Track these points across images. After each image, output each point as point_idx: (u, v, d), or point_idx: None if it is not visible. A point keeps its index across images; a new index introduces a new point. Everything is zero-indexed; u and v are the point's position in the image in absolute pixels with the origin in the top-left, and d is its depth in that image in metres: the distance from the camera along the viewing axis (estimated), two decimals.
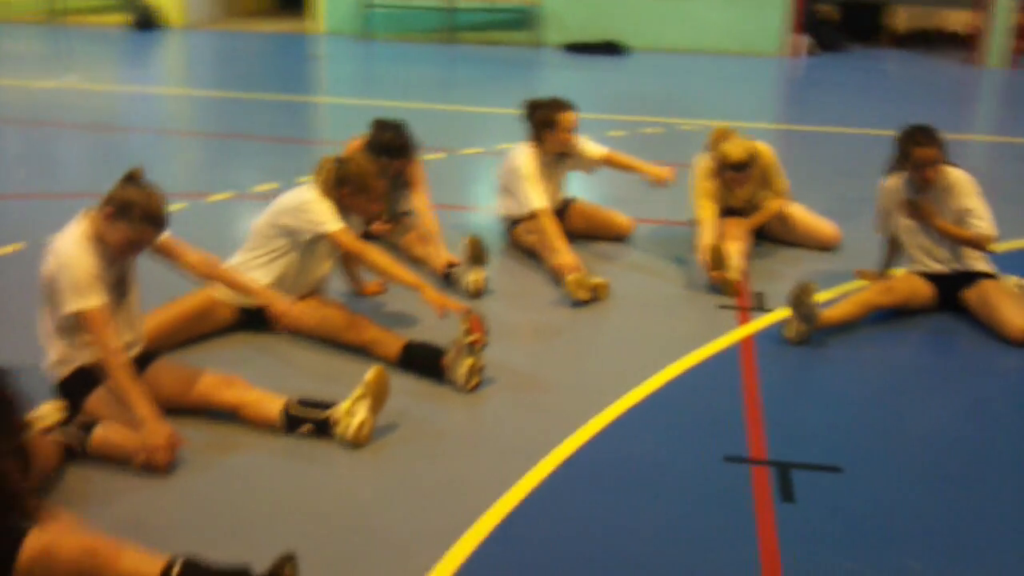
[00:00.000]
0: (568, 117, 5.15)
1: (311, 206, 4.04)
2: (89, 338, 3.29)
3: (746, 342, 4.34)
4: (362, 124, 5.26)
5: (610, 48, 13.03)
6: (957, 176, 4.51)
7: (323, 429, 3.43)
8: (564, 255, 4.89)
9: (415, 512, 3.07)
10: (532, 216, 5.15)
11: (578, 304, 4.67)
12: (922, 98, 10.86)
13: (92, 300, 3.25)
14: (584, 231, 5.50)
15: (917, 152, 4.43)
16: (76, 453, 3.24)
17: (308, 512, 3.07)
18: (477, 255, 4.78)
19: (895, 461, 3.47)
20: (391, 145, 5.05)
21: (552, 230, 5.03)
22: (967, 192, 4.48)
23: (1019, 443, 3.62)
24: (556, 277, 4.88)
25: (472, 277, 4.75)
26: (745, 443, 3.51)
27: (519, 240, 5.34)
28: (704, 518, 3.09)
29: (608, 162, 5.40)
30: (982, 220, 4.46)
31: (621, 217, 5.62)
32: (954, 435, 3.69)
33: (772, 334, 4.41)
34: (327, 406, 3.46)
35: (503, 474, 3.26)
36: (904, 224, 4.66)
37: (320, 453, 3.38)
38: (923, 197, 4.54)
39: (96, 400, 3.37)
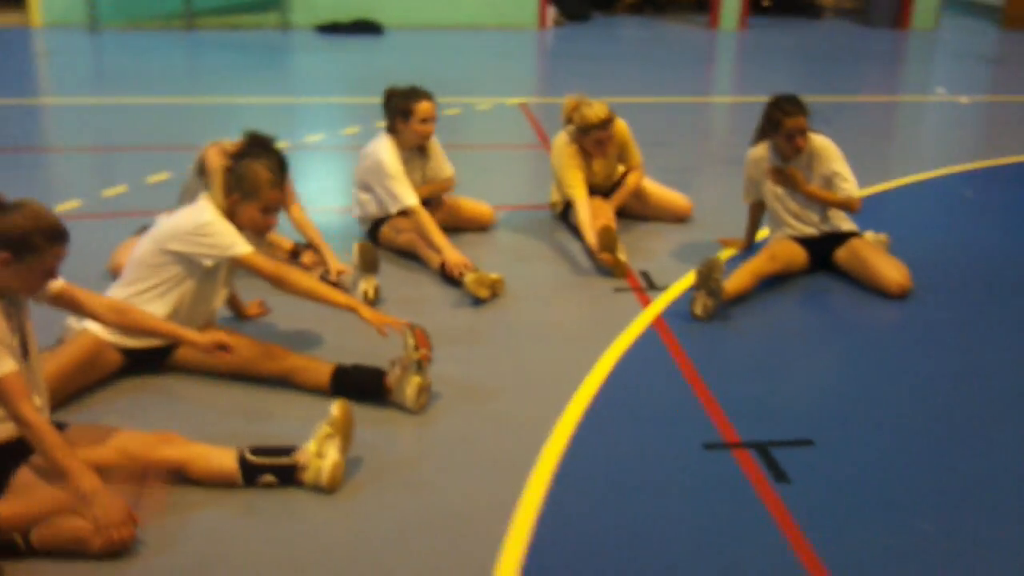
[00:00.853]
0: (424, 106, 4.93)
1: (211, 228, 3.61)
2: (3, 411, 2.78)
3: (658, 323, 4.36)
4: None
5: (365, 27, 12.68)
6: (821, 142, 4.73)
7: (287, 477, 3.09)
8: (450, 252, 4.70)
9: (419, 553, 2.84)
10: (401, 214, 4.91)
11: (479, 303, 4.50)
12: (673, 63, 11.36)
13: (3, 366, 2.73)
14: (446, 224, 5.31)
15: (788, 122, 4.60)
16: (18, 550, 2.72)
17: (292, 572, 2.76)
18: (369, 262, 4.49)
19: (859, 427, 3.60)
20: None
21: (432, 227, 4.82)
22: (833, 157, 4.72)
23: (967, 382, 3.87)
24: (446, 276, 4.68)
25: (365, 286, 4.46)
26: (713, 428, 3.53)
27: (388, 241, 5.07)
28: (714, 510, 3.07)
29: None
30: (848, 183, 4.72)
31: (483, 207, 5.48)
32: (900, 389, 3.87)
33: (676, 312, 4.46)
34: (287, 451, 3.12)
35: (499, 497, 3.09)
36: (773, 191, 4.85)
37: (288, 504, 3.05)
38: (790, 164, 4.73)
39: (22, 480, 2.85)
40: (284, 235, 4.79)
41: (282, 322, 4.21)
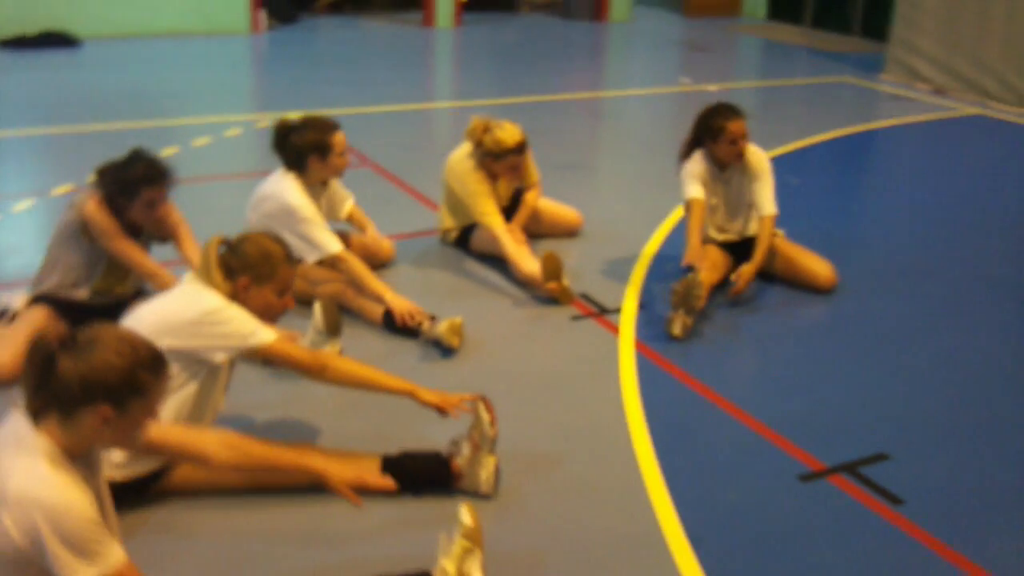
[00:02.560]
0: (340, 137, 4.36)
1: (222, 314, 2.91)
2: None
3: (645, 351, 4.16)
4: None
5: (56, 40, 11.12)
6: (756, 152, 4.73)
7: None
8: (395, 299, 4.20)
9: None
10: (322, 262, 4.32)
11: (448, 353, 4.05)
12: (397, 64, 10.98)
13: (112, 556, 2.04)
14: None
15: (732, 126, 4.56)
16: None
17: None
18: (333, 323, 3.89)
19: (916, 431, 3.64)
20: (151, 172, 3.83)
21: (365, 273, 4.28)
22: (767, 171, 4.71)
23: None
24: (394, 327, 4.17)
25: (330, 351, 3.85)
26: (788, 456, 3.42)
27: (302, 295, 4.43)
28: (859, 547, 2.96)
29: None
30: (772, 199, 4.71)
31: (384, 241, 4.95)
32: (927, 382, 3.95)
33: (651, 335, 4.30)
34: None
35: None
36: (708, 203, 4.76)
37: None
38: (727, 175, 4.70)
39: None
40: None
41: (277, 409, 3.54)
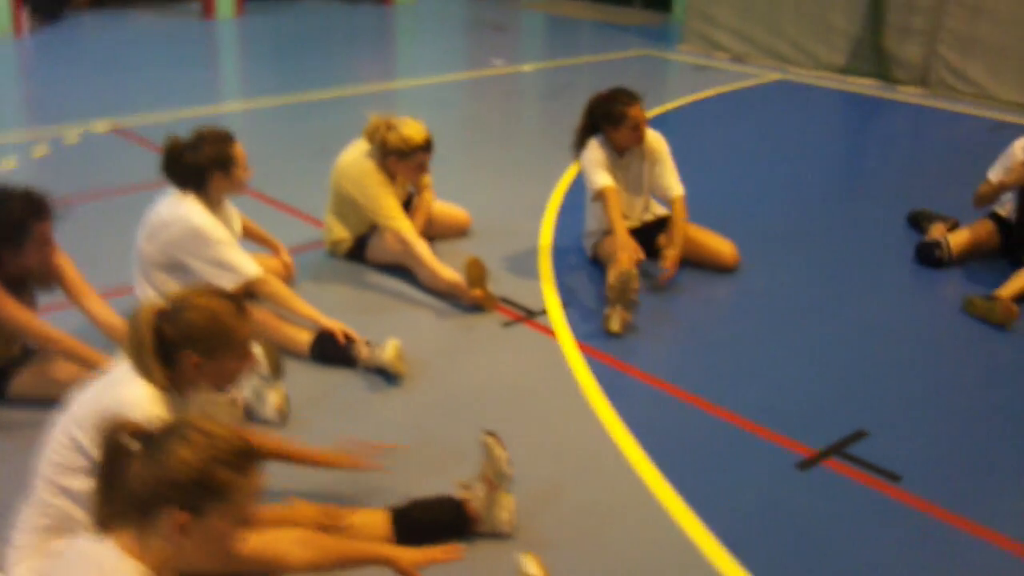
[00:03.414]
0: (240, 147, 3.97)
1: None
2: None
3: (590, 352, 4.05)
4: None
5: None
6: (654, 135, 4.70)
7: None
8: (326, 320, 3.89)
9: None
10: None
11: (393, 380, 3.79)
12: (180, 62, 10.25)
13: None
14: None
15: (632, 112, 4.52)
16: None
17: None
18: (276, 365, 3.52)
19: (887, 405, 3.73)
20: (33, 203, 3.34)
21: (292, 295, 3.93)
22: (667, 154, 4.71)
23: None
24: (326, 355, 3.86)
25: (275, 398, 3.49)
26: (776, 446, 3.41)
27: None
28: (877, 534, 2.99)
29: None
30: (677, 181, 4.72)
31: (285, 254, 4.55)
32: (879, 353, 4.05)
33: (588, 334, 4.20)
34: None
35: None
36: None
37: None
38: (626, 160, 4.66)
39: None
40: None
41: None
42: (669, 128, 5.37)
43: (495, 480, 2.89)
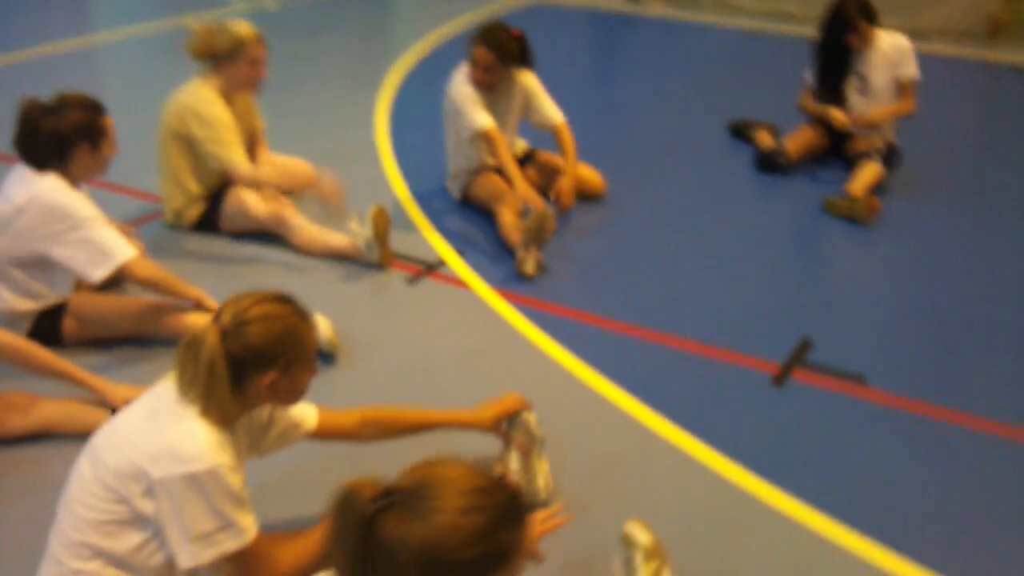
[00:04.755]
0: (111, 121, 3.39)
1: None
2: None
3: (517, 299, 3.88)
4: None
5: None
6: (521, 72, 4.51)
7: None
8: (210, 300, 3.45)
9: None
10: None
11: (329, 360, 3.43)
12: None
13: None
14: None
15: (476, 53, 4.31)
16: None
17: None
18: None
19: (814, 307, 3.85)
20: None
21: (173, 278, 3.40)
22: (537, 85, 4.55)
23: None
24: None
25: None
26: (741, 368, 3.45)
27: (73, 336, 3.43)
28: (864, 433, 3.12)
29: None
30: (553, 107, 4.60)
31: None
32: (771, 262, 4.15)
33: (503, 279, 4.02)
34: None
35: None
36: None
37: None
38: (494, 97, 4.47)
39: None
40: None
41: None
42: (441, 68, 5.16)
43: (528, 446, 2.69)
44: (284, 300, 2.11)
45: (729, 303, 3.90)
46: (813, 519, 2.69)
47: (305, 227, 4.15)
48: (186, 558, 1.97)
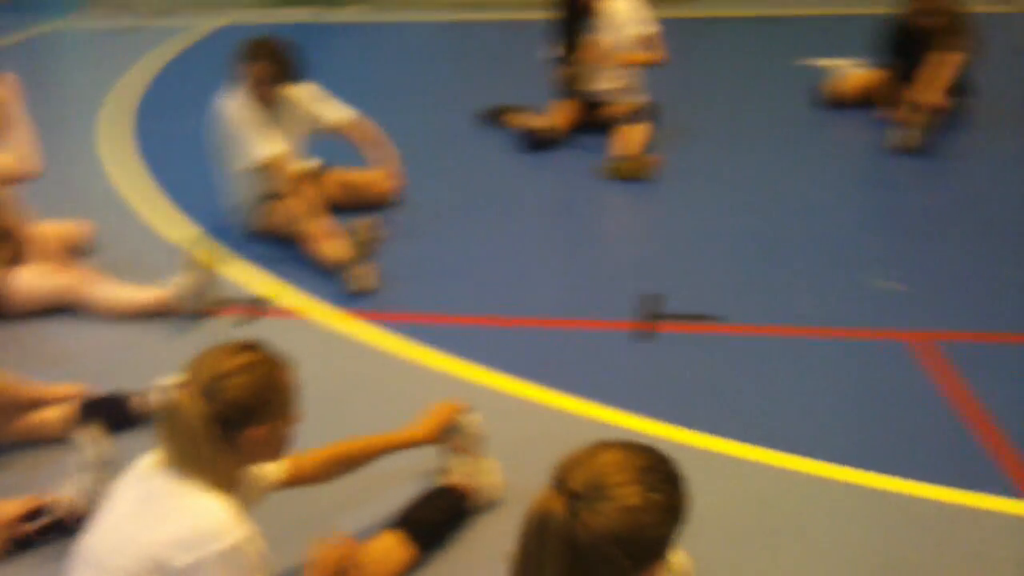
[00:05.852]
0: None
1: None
2: None
3: (374, 316, 3.77)
4: None
5: None
6: (299, 84, 4.38)
7: None
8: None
9: None
10: None
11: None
12: None
13: None
14: None
15: (255, 69, 4.16)
16: None
17: None
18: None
19: (652, 265, 4.06)
20: None
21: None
22: (316, 92, 4.45)
23: None
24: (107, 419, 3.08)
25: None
26: (606, 329, 3.58)
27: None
28: (757, 373, 3.36)
29: None
30: (338, 105, 4.52)
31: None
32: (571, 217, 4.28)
33: (345, 303, 3.89)
34: None
35: None
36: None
37: None
38: (274, 112, 4.31)
39: None
40: None
41: None
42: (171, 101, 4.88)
43: (472, 447, 2.67)
44: (250, 348, 1.96)
45: (566, 277, 4.04)
46: (720, 443, 2.90)
47: (107, 288, 3.81)
48: None
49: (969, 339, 3.38)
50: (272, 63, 4.12)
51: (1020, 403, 3.00)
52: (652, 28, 5.32)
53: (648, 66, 5.41)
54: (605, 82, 5.44)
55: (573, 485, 1.40)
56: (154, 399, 3.10)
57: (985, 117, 5.42)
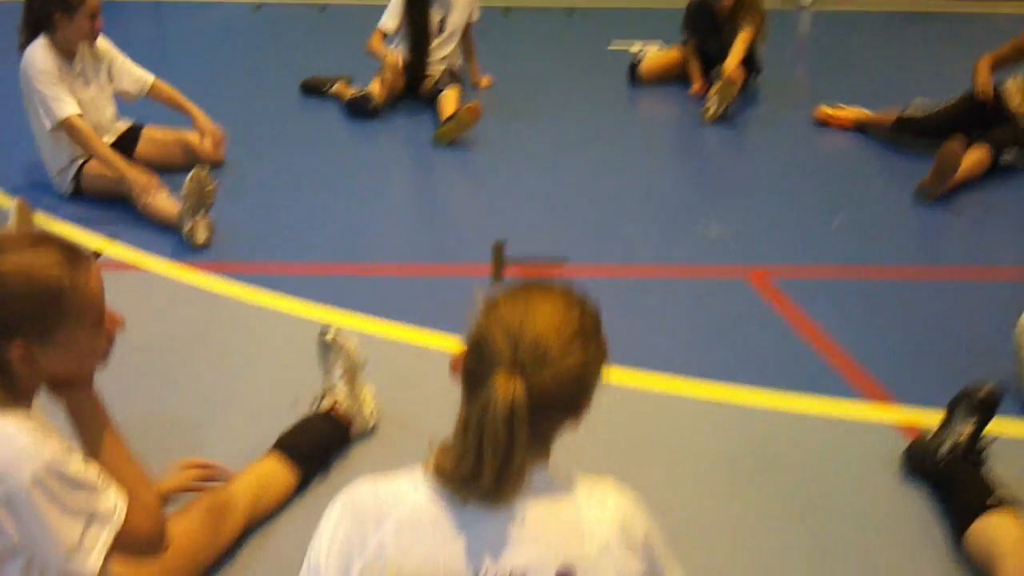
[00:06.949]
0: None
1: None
2: None
3: (217, 268, 3.63)
4: None
5: None
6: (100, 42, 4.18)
7: None
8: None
9: None
10: None
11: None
12: None
13: None
14: None
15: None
16: None
17: None
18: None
19: (496, 217, 4.14)
20: None
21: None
22: (114, 48, 4.27)
23: None
24: None
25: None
26: (462, 275, 3.62)
27: None
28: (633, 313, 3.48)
29: None
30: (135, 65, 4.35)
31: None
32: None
33: (173, 249, 3.73)
34: None
35: None
36: None
37: None
38: (80, 67, 4.09)
39: None
40: None
41: None
42: None
43: (351, 370, 2.63)
44: (42, 240, 1.66)
45: (409, 229, 4.03)
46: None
47: None
48: (75, 572, 1.61)
49: (799, 275, 3.64)
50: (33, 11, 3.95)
51: (845, 321, 3.27)
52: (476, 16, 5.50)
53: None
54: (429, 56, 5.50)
55: (523, 359, 1.36)
56: None
57: (771, 91, 5.84)
